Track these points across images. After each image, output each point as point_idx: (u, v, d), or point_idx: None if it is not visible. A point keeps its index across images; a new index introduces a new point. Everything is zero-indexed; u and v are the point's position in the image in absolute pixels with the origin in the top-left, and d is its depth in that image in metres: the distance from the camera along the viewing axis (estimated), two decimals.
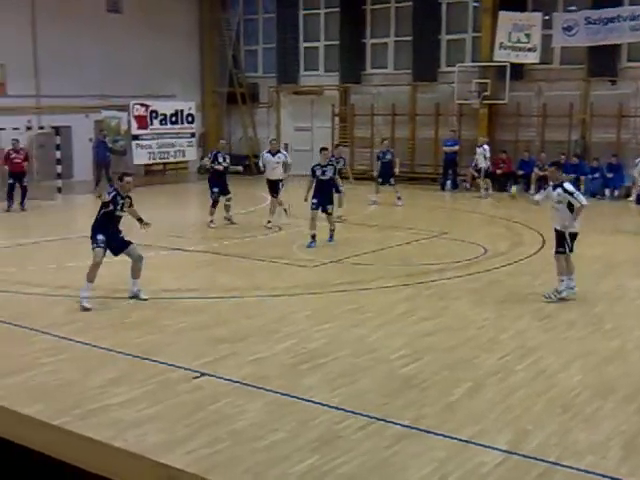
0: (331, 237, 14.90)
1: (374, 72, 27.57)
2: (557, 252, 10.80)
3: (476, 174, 24.41)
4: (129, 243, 10.55)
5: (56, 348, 8.62)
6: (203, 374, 7.72)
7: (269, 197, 17.52)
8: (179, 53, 28.69)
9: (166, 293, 11.11)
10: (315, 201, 14.59)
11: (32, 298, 10.90)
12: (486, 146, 22.91)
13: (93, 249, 10.30)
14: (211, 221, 17.02)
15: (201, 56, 30.18)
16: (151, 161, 26.39)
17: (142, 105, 25.68)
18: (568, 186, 10.68)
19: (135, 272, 10.61)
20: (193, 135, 27.57)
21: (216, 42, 29.81)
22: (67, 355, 8.40)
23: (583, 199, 10.65)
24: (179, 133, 26.97)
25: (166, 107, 26.52)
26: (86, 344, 8.73)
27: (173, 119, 26.71)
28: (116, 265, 13.22)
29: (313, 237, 14.51)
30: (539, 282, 12.00)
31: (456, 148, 24.28)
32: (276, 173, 17.10)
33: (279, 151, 17.49)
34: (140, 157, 25.70)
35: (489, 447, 6.06)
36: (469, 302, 10.77)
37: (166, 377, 7.67)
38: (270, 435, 6.27)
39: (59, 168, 22.05)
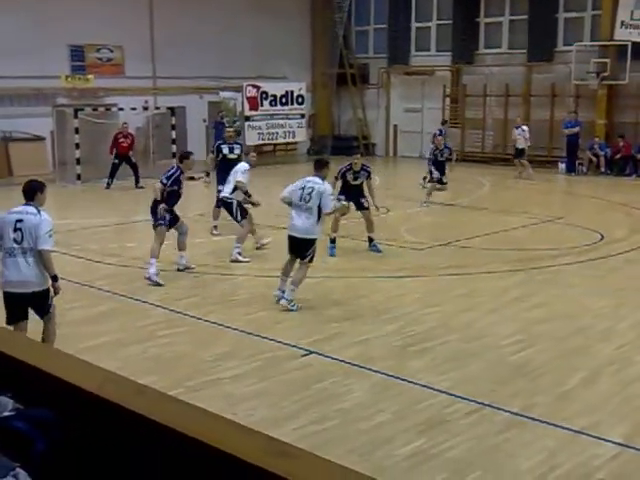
0: (374, 245, 12.69)
1: (487, 52, 26.94)
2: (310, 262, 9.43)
3: (593, 158, 23.57)
4: (178, 218, 11.04)
5: (170, 321, 8.90)
6: (311, 352, 7.78)
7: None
8: (290, 34, 28.86)
9: (276, 271, 11.23)
10: (342, 197, 12.53)
11: None
12: (525, 127, 22.31)
13: (157, 226, 10.66)
14: (214, 227, 13.98)
15: (312, 37, 30.26)
16: (261, 142, 26.73)
17: (253, 86, 26.02)
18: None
19: (182, 245, 11.17)
20: (303, 116, 27.73)
21: (327, 23, 29.78)
22: (181, 329, 8.66)
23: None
24: (289, 114, 27.19)
25: (276, 88, 26.77)
26: (199, 318, 8.97)
27: (283, 100, 26.92)
28: (225, 242, 13.51)
29: (333, 241, 12.53)
30: None
31: (576, 130, 23.34)
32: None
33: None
34: (251, 138, 26.08)
35: (603, 439, 5.86)
36: (584, 289, 10.42)
37: (275, 354, 7.79)
38: (376, 416, 6.27)
39: (174, 147, 22.65)
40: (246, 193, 11.91)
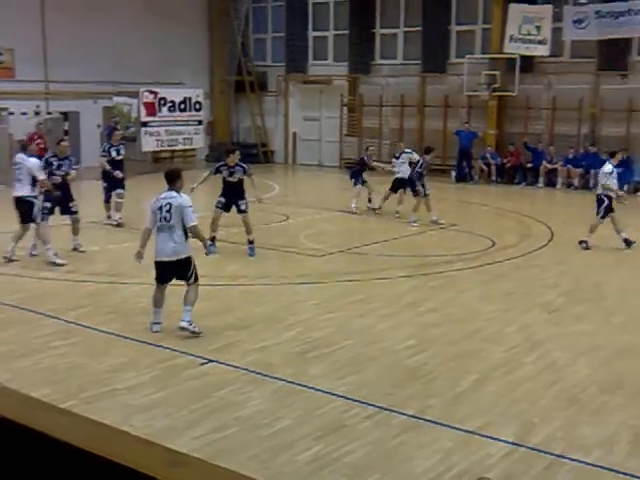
0: (251, 249, 12.89)
1: (383, 62, 27.47)
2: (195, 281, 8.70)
3: (484, 167, 24.35)
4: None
5: (66, 332, 8.66)
6: (210, 361, 7.73)
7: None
8: (188, 40, 28.61)
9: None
10: (222, 200, 12.84)
11: (42, 282, 10.93)
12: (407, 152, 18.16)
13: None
14: (108, 216, 15.49)
15: (210, 44, 30.10)
16: (159, 148, 26.38)
17: (151, 92, 25.65)
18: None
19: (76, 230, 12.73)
20: (201, 123, 27.54)
21: (225, 30, 29.70)
22: (76, 339, 8.44)
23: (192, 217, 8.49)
24: (187, 121, 26.94)
25: (174, 94, 26.49)
26: (95, 329, 8.76)
27: (181, 106, 26.66)
28: (125, 252, 13.26)
29: (213, 240, 12.44)
30: (547, 275, 11.99)
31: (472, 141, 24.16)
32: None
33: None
34: (148, 144, 25.69)
35: (495, 439, 6.06)
36: (476, 294, 10.75)
37: (173, 363, 7.69)
38: (276, 423, 6.28)
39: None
40: (48, 191, 12.21)
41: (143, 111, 25.38)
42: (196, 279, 8.60)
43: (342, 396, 6.86)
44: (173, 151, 27.45)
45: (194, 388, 7.05)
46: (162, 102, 25.99)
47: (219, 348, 8.13)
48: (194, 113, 27.14)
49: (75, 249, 12.76)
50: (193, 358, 7.81)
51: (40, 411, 2.17)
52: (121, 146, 15.77)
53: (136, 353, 7.99)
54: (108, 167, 15.25)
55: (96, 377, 7.23)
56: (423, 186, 16.36)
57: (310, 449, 5.80)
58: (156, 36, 26.76)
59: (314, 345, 8.33)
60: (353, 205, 17.62)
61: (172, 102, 26.30)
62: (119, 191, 15.39)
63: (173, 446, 1.76)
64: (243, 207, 12.86)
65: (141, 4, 26.71)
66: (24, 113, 21.63)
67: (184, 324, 8.46)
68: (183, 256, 8.48)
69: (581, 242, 13.77)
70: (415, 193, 16.50)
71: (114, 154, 15.43)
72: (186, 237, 8.50)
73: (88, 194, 20.97)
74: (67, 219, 12.83)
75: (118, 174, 15.20)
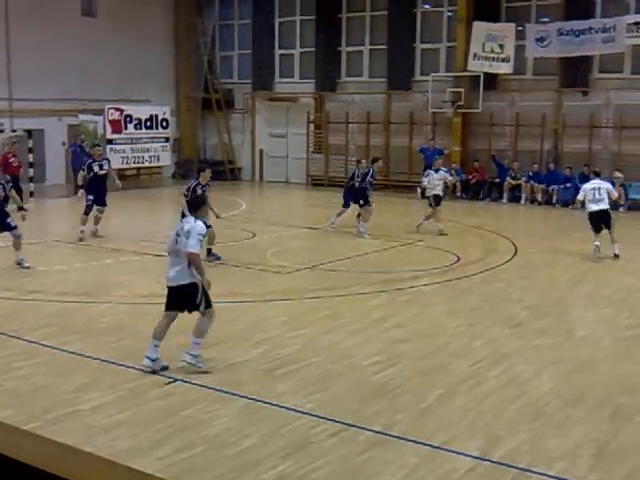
0: (213, 254, 13.42)
1: (349, 80, 27.69)
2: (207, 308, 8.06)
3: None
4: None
5: (29, 352, 8.55)
6: (175, 380, 7.69)
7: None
8: (154, 58, 28.58)
9: (140, 298, 11.04)
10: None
11: (2, 302, 10.79)
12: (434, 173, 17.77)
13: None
14: (81, 231, 15.58)
15: (176, 61, 30.10)
16: (125, 165, 26.25)
17: (117, 109, 25.56)
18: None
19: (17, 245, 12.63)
20: (167, 140, 27.49)
21: (191, 47, 29.77)
22: (40, 359, 8.34)
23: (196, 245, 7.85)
24: (153, 138, 26.88)
25: (141, 112, 26.43)
26: (59, 349, 8.67)
27: (148, 124, 26.62)
28: (91, 271, 13.16)
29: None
30: (512, 290, 12.13)
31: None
32: None
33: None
34: (114, 161, 25.49)
35: (460, 453, 6.10)
36: (442, 309, 10.84)
37: (138, 383, 7.64)
38: (242, 441, 6.26)
39: (31, 171, 21.84)
40: None
41: (109, 128, 25.27)
42: (207, 306, 7.96)
43: (309, 413, 6.86)
44: (139, 168, 27.35)
45: (160, 407, 7.00)
46: (128, 119, 25.92)
47: (185, 367, 8.08)
48: (161, 130, 27.11)
49: (19, 264, 12.61)
50: (159, 377, 7.76)
51: (2, 433, 2.16)
52: (104, 161, 16.40)
53: (101, 373, 7.92)
54: (80, 182, 16.19)
55: (60, 398, 7.15)
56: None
57: (276, 467, 5.79)
58: (122, 53, 26.71)
59: (282, 362, 8.33)
60: (332, 221, 17.45)
61: (138, 119, 26.23)
62: (100, 207, 16.06)
63: (137, 467, 1.77)
64: (208, 223, 12.97)
65: (107, 22, 26.64)
66: None
67: (187, 358, 7.86)
68: (184, 282, 7.87)
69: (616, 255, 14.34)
70: (366, 203, 16.78)
71: (96, 169, 15.99)
72: (189, 263, 7.83)
73: (53, 212, 20.81)
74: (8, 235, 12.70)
75: (79, 195, 15.96)
